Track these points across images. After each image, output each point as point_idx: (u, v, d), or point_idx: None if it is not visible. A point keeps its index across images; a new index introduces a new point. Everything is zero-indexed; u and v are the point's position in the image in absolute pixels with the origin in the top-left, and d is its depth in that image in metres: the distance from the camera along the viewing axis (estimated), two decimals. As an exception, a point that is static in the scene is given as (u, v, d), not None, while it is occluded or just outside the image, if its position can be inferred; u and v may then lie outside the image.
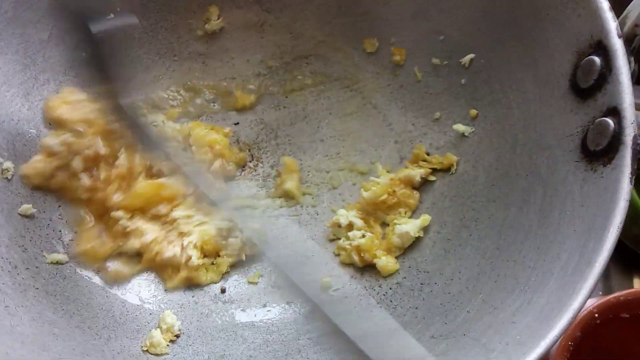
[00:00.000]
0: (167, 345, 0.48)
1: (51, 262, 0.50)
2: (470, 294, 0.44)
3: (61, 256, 0.51)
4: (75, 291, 0.49)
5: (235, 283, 0.53)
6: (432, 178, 0.54)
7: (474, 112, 0.53)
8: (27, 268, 0.48)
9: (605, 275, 0.58)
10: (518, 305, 0.39)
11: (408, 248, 0.52)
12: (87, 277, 0.51)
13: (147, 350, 0.47)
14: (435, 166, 0.54)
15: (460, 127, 0.53)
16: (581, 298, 0.35)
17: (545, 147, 0.45)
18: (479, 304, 0.43)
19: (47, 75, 0.55)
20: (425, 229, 0.52)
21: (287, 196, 0.57)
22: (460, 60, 0.54)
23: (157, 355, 0.47)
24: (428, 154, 0.55)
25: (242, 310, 0.51)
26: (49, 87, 0.56)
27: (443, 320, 0.44)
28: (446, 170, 0.54)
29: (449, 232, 0.50)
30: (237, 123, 0.60)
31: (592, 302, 0.44)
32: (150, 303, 0.51)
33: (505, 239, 0.45)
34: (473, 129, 0.53)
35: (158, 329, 0.48)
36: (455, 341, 0.41)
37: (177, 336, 0.48)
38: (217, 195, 0.53)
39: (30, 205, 0.51)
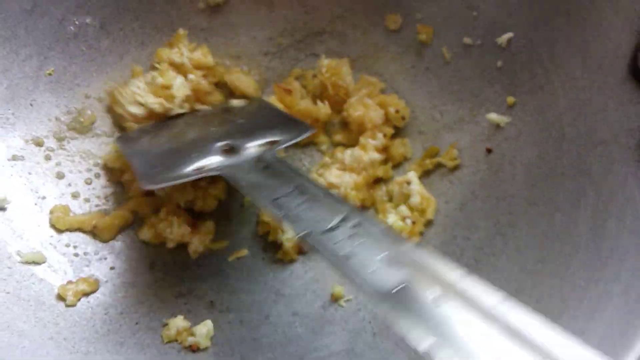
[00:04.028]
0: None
1: (26, 262, 0.44)
2: (506, 314, 0.38)
3: (37, 255, 0.45)
4: (51, 296, 0.44)
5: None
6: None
7: (511, 99, 0.46)
8: (-3, 269, 0.43)
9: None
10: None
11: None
12: (67, 279, 0.45)
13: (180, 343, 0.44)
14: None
15: (494, 117, 0.47)
16: (652, 334, 0.29)
17: (598, 143, 0.39)
18: (518, 329, 0.36)
19: (30, 49, 0.50)
20: (453, 235, 0.45)
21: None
22: (496, 40, 0.47)
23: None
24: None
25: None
26: (31, 64, 0.50)
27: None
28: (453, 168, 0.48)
29: (481, 238, 0.44)
30: None
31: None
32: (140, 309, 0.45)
33: (550, 250, 0.39)
34: (510, 120, 0.46)
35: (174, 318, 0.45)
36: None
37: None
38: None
39: (5, 197, 0.46)
